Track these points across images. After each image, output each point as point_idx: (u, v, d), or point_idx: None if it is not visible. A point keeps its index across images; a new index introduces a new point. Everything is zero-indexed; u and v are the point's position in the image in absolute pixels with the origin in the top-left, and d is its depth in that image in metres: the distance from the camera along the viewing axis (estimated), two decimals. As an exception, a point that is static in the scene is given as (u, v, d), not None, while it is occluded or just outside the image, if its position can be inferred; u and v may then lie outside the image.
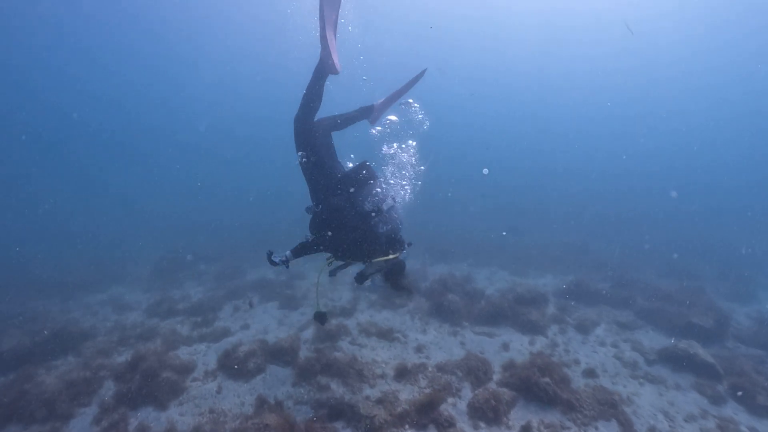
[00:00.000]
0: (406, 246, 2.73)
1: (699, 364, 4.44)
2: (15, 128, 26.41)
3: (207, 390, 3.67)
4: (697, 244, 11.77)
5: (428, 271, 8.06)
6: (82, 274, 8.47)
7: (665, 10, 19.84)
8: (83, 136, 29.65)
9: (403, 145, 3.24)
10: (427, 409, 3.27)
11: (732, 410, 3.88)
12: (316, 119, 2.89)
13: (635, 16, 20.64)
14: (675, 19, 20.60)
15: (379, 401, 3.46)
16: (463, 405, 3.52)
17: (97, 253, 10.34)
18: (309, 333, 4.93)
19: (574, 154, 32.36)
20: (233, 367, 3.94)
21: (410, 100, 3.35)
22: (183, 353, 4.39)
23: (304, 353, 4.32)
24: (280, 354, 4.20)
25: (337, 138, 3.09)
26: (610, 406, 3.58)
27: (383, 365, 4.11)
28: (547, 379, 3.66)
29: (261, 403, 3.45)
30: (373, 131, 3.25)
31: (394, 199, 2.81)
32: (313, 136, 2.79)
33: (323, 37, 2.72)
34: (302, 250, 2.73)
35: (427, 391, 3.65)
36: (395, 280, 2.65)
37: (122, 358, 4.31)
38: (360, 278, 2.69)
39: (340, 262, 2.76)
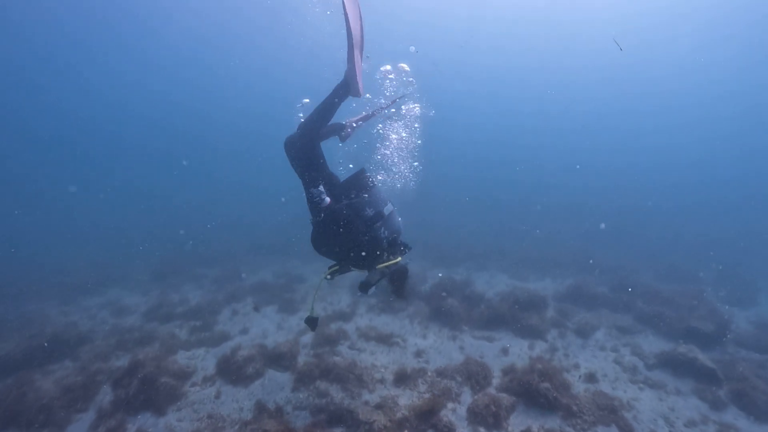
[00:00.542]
0: (406, 250, 2.75)
1: (699, 368, 4.43)
2: (13, 128, 26.49)
3: (205, 395, 3.65)
4: (698, 247, 11.80)
5: (428, 275, 8.05)
6: (80, 276, 8.44)
7: (665, 6, 19.93)
8: (83, 137, 29.72)
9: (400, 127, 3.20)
10: (426, 415, 3.26)
11: (732, 416, 3.87)
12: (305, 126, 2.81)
13: (635, 11, 20.87)
14: (676, 15, 20.70)
15: (379, 406, 3.45)
16: (462, 410, 3.51)
17: (95, 256, 10.32)
18: (308, 337, 4.91)
19: (573, 156, 32.50)
20: (232, 372, 3.92)
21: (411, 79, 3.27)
22: (181, 358, 4.37)
23: (303, 358, 4.31)
24: (279, 359, 4.18)
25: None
26: (610, 412, 3.57)
27: (382, 370, 4.10)
28: (546, 384, 3.65)
29: (260, 409, 3.43)
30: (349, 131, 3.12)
31: (393, 204, 2.82)
32: (313, 146, 2.77)
33: (351, 58, 2.71)
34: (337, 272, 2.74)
35: (427, 396, 3.64)
36: (398, 286, 2.66)
37: (120, 362, 4.28)
38: (364, 287, 2.67)
39: (344, 270, 2.76)
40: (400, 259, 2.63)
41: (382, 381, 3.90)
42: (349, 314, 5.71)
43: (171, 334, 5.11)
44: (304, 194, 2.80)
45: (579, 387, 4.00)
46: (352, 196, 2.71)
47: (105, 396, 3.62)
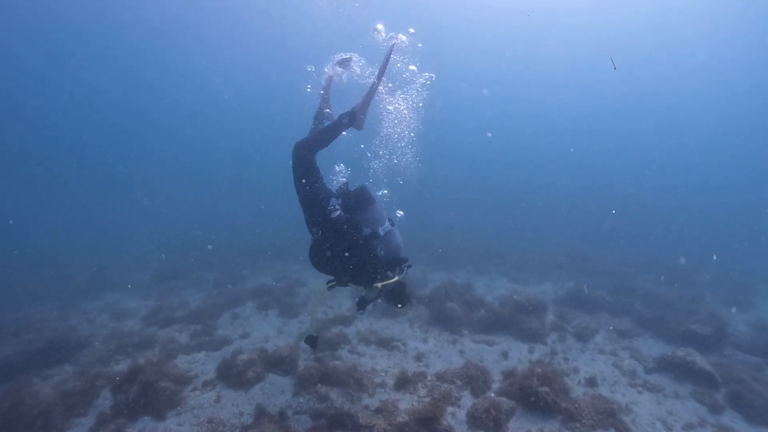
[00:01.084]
0: (405, 268, 2.75)
1: (697, 372, 4.46)
2: (14, 128, 26.49)
3: (205, 400, 3.64)
4: (697, 250, 11.88)
5: (428, 279, 8.08)
6: (79, 280, 8.41)
7: (667, 6, 20.25)
8: (82, 141, 29.72)
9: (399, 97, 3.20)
10: (427, 422, 3.26)
11: (730, 418, 3.89)
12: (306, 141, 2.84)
13: (636, 10, 21.24)
14: (678, 16, 21.00)
15: (379, 410, 3.45)
16: (462, 414, 3.52)
17: (95, 259, 10.28)
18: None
19: (573, 158, 32.73)
20: (232, 376, 3.92)
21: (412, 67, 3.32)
22: (181, 362, 4.36)
23: (304, 362, 4.31)
24: (279, 363, 4.18)
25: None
26: (608, 415, 3.59)
27: (383, 374, 4.11)
28: (545, 388, 3.67)
29: (260, 413, 3.43)
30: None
31: (392, 222, 2.83)
32: (311, 164, 2.78)
33: (368, 100, 2.88)
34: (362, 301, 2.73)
35: (427, 400, 3.65)
36: (397, 302, 2.69)
37: (120, 367, 4.27)
38: (362, 303, 2.70)
39: (342, 285, 2.76)
40: (397, 278, 2.63)
41: (382, 385, 3.91)
42: (350, 318, 5.72)
43: (171, 339, 5.10)
44: (303, 212, 2.79)
45: (578, 391, 4.02)
46: (350, 214, 2.70)
47: (105, 401, 3.61)
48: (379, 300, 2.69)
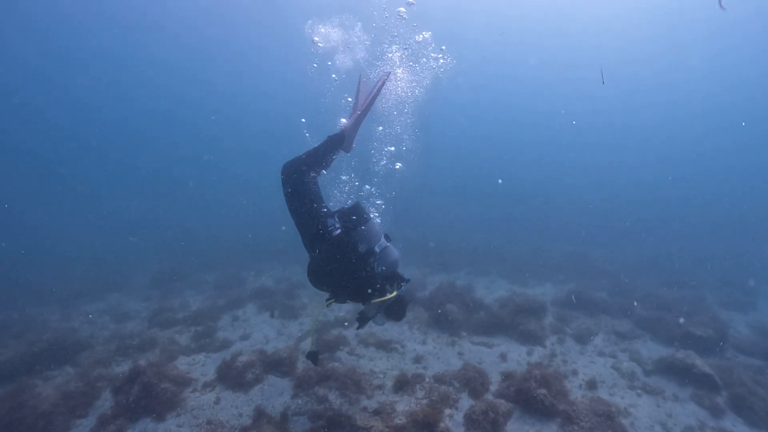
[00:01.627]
0: (404, 283, 2.76)
1: (697, 374, 4.44)
2: (16, 138, 26.77)
3: (205, 401, 3.67)
4: (698, 252, 11.84)
5: (427, 281, 8.09)
6: (80, 281, 8.48)
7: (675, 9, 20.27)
8: (82, 144, 29.93)
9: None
10: (424, 424, 3.27)
11: (730, 422, 3.88)
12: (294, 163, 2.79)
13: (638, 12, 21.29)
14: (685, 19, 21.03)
15: (376, 412, 3.47)
16: (459, 417, 3.52)
17: (95, 261, 10.37)
18: (308, 343, 4.94)
19: (571, 159, 32.71)
20: (232, 378, 3.95)
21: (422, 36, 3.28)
22: (181, 363, 4.39)
23: (303, 364, 4.33)
24: (278, 365, 4.21)
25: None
26: (607, 418, 3.58)
27: (381, 376, 4.12)
28: (543, 391, 3.67)
29: (259, 415, 3.46)
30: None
31: (388, 237, 2.83)
32: (303, 184, 2.74)
33: (358, 122, 2.90)
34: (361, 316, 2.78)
35: (425, 402, 3.66)
36: (395, 317, 2.72)
37: (121, 368, 4.31)
38: (362, 320, 2.74)
39: (341, 301, 2.78)
40: (395, 293, 2.65)
41: (380, 387, 3.92)
42: (350, 320, 5.74)
43: (171, 340, 5.14)
44: (299, 232, 2.78)
45: (577, 393, 4.01)
46: (342, 230, 2.69)
47: (105, 402, 3.64)
48: (379, 315, 2.72)
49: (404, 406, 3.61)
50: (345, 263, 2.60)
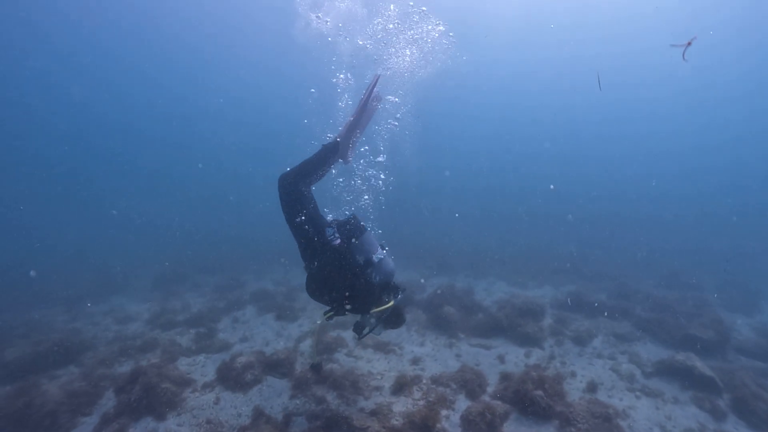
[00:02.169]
0: (400, 292, 2.82)
1: (697, 376, 4.40)
2: (22, 141, 27.26)
3: (205, 401, 3.73)
4: (701, 253, 11.72)
5: (426, 283, 8.11)
6: (84, 284, 8.63)
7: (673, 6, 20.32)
8: (83, 146, 30.32)
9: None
10: (421, 425, 3.30)
11: (732, 425, 3.84)
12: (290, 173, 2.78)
13: (637, 12, 21.44)
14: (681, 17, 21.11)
15: (373, 413, 3.50)
16: (456, 418, 3.54)
17: (99, 264, 10.54)
18: (306, 345, 4.99)
19: (572, 160, 32.64)
20: (231, 378, 4.01)
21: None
22: (182, 364, 4.46)
23: (301, 365, 4.38)
24: (277, 366, 4.26)
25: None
26: (604, 420, 3.57)
27: (378, 377, 4.15)
28: (540, 392, 3.67)
29: (258, 415, 3.50)
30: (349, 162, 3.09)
31: (384, 247, 2.88)
32: (301, 195, 2.76)
33: (353, 128, 2.85)
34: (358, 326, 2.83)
35: (422, 403, 3.68)
36: (392, 326, 2.79)
37: (123, 368, 4.39)
38: (358, 329, 2.79)
39: (339, 314, 2.82)
40: (392, 303, 2.72)
41: (378, 388, 3.95)
42: (348, 323, 5.78)
43: (172, 342, 5.22)
44: (297, 243, 2.80)
45: (574, 395, 4.00)
46: (340, 241, 2.74)
47: (108, 401, 3.72)
48: (377, 325, 2.78)
49: (401, 407, 3.63)
50: (344, 274, 2.64)
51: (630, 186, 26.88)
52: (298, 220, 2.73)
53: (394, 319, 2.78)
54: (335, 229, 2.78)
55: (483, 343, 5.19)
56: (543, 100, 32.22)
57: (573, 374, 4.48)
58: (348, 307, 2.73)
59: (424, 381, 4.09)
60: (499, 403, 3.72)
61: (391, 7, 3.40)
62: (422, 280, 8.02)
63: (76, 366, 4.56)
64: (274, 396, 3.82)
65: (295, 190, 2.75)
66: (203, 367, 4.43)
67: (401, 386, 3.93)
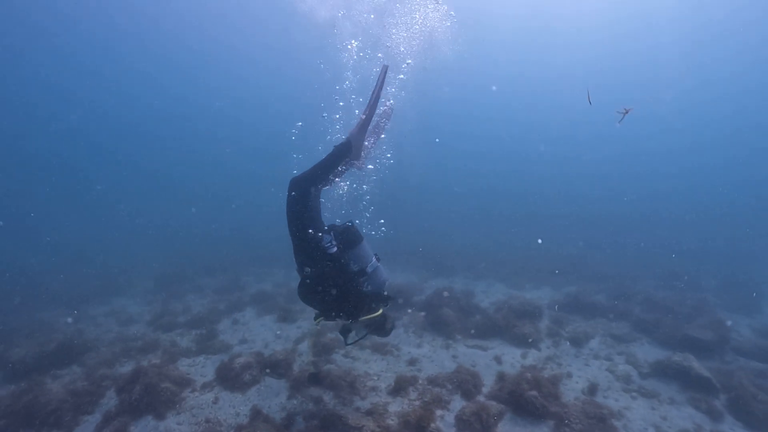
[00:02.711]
0: (389, 302, 2.86)
1: (694, 377, 4.40)
2: (22, 143, 27.52)
3: (204, 400, 3.80)
4: (702, 254, 11.67)
5: (425, 285, 8.15)
6: (87, 286, 8.76)
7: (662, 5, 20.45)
8: (85, 148, 30.58)
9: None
10: (415, 424, 3.34)
11: (728, 425, 3.84)
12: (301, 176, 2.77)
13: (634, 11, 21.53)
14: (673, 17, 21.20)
15: (369, 413, 3.54)
16: (450, 417, 3.58)
17: (101, 266, 10.68)
18: (304, 346, 5.05)
19: (571, 162, 32.59)
20: (230, 378, 4.07)
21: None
22: (182, 365, 4.54)
23: (299, 366, 4.44)
24: (275, 366, 4.32)
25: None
26: (599, 420, 3.59)
27: (375, 378, 4.20)
28: (534, 392, 3.70)
29: (255, 414, 3.56)
30: (369, 166, 3.08)
31: (378, 258, 2.92)
32: (309, 199, 2.75)
33: (365, 125, 2.76)
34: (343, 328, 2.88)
35: (417, 403, 3.72)
36: (379, 334, 2.85)
37: (124, 369, 4.47)
38: (344, 332, 2.85)
39: (329, 319, 2.87)
40: (381, 312, 2.76)
41: (374, 388, 4.00)
42: (347, 325, 5.82)
43: (173, 342, 5.30)
44: (293, 247, 2.79)
45: (569, 395, 4.03)
46: (337, 249, 2.75)
47: (110, 400, 3.80)
48: (364, 332, 2.84)
49: (397, 407, 3.67)
50: (336, 282, 2.68)
51: (629, 186, 26.82)
52: (300, 223, 2.69)
53: (381, 328, 2.83)
54: (332, 236, 2.79)
55: (480, 344, 5.22)
56: (540, 99, 32.30)
57: (569, 375, 4.50)
58: (337, 313, 2.77)
59: (420, 381, 4.13)
60: (493, 403, 3.76)
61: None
62: (420, 282, 8.06)
63: (78, 366, 4.65)
64: (272, 396, 3.88)
65: (305, 193, 2.73)
66: (203, 368, 4.50)
67: (397, 387, 3.97)
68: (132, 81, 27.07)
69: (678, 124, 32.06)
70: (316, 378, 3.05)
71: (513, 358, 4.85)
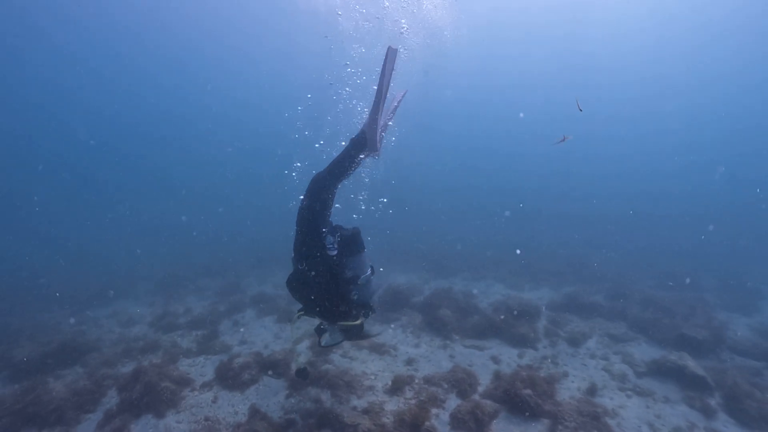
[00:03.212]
0: (371, 313, 2.92)
1: (689, 376, 4.44)
2: (23, 145, 27.70)
3: (203, 399, 3.86)
4: (701, 254, 11.66)
5: (424, 286, 8.20)
6: (89, 287, 8.85)
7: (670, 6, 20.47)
8: (86, 150, 30.64)
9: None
10: (410, 423, 3.39)
11: (722, 423, 3.86)
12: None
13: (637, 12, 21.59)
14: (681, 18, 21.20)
15: (365, 411, 3.60)
16: (446, 416, 3.62)
17: (103, 267, 10.77)
18: (303, 346, 5.11)
19: (568, 162, 32.56)
20: (229, 378, 4.14)
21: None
22: (183, 365, 4.61)
23: (297, 366, 4.48)
24: (273, 366, 4.38)
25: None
26: (592, 418, 3.63)
27: (372, 377, 4.25)
28: (528, 391, 3.75)
29: (254, 413, 3.62)
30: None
31: (373, 270, 2.94)
32: (329, 196, 2.75)
33: (374, 115, 2.67)
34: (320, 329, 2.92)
35: (413, 402, 3.77)
36: (353, 339, 2.91)
37: (126, 369, 4.55)
38: (319, 332, 2.91)
39: (309, 315, 2.92)
40: (359, 322, 2.81)
41: (371, 388, 4.05)
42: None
43: (174, 343, 5.37)
44: (296, 238, 2.81)
45: (564, 394, 4.06)
46: (341, 255, 2.78)
47: (111, 399, 3.87)
48: (338, 335, 2.88)
49: (393, 406, 3.72)
50: (327, 284, 2.73)
51: (627, 186, 26.78)
52: (312, 218, 2.68)
53: (357, 336, 2.89)
54: (336, 238, 2.81)
55: (477, 344, 5.26)
56: (537, 99, 32.35)
57: (565, 374, 4.53)
58: (319, 311, 2.82)
59: (417, 381, 4.18)
60: (488, 402, 3.80)
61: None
62: (421, 284, 8.11)
63: (80, 366, 4.73)
64: (270, 395, 3.94)
65: (326, 189, 2.72)
66: (203, 368, 4.57)
67: (394, 386, 4.02)
68: (132, 80, 27.26)
69: (674, 124, 32.09)
70: (303, 373, 3.09)
71: (510, 358, 4.89)
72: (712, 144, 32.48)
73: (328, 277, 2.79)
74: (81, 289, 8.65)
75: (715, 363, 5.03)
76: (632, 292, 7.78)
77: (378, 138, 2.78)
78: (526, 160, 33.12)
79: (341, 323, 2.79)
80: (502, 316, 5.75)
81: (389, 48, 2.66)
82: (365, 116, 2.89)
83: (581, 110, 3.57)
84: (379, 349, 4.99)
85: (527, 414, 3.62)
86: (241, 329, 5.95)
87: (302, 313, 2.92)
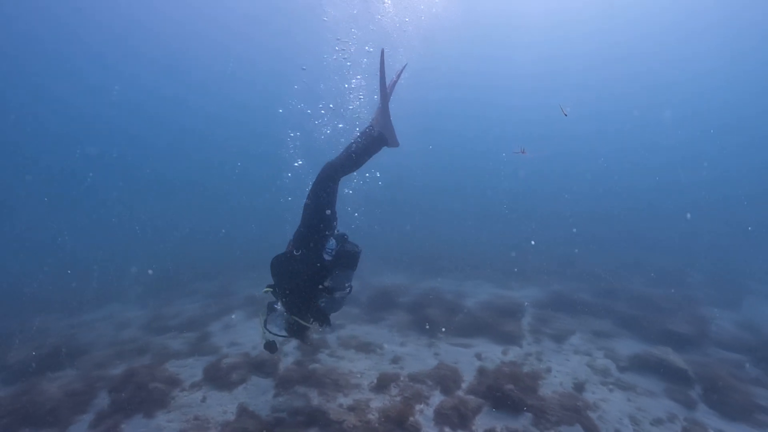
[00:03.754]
0: (326, 326, 3.03)
1: (672, 369, 4.53)
2: (15, 147, 27.60)
3: (193, 399, 3.94)
4: (688, 251, 11.79)
5: (412, 285, 8.29)
6: (82, 291, 8.87)
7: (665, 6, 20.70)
8: (81, 152, 30.54)
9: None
10: (395, 418, 3.47)
11: (702, 414, 3.96)
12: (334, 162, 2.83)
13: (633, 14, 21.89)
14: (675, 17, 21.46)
15: (351, 408, 3.68)
16: (430, 412, 3.71)
17: (96, 271, 10.78)
18: (290, 346, 5.19)
19: (563, 161, 32.72)
20: (217, 378, 4.22)
21: None
22: (173, 366, 4.68)
23: (284, 365, 4.58)
24: (262, 366, 4.47)
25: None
26: (574, 412, 3.72)
27: (358, 376, 4.34)
28: (511, 386, 3.84)
29: (242, 411, 3.70)
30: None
31: (350, 289, 3.07)
32: (335, 185, 2.83)
33: (385, 109, 2.77)
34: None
35: (398, 399, 3.86)
36: (293, 336, 3.02)
37: (117, 370, 4.62)
38: (269, 310, 3.01)
39: (275, 296, 3.00)
40: (309, 325, 2.92)
41: (357, 386, 4.13)
42: (333, 325, 5.96)
43: (164, 346, 5.44)
44: (301, 227, 2.91)
45: (547, 389, 4.15)
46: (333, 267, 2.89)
47: (103, 400, 3.94)
48: (283, 326, 3.01)
49: (378, 403, 3.81)
50: (305, 282, 2.84)
51: (622, 184, 26.95)
52: (319, 206, 2.76)
53: (298, 335, 3.02)
54: (335, 246, 2.91)
55: (463, 342, 5.34)
56: (533, 98, 32.54)
57: (548, 370, 4.62)
58: (285, 300, 2.94)
59: (402, 378, 4.26)
60: (472, 397, 3.89)
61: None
62: (410, 284, 8.20)
63: (73, 368, 4.80)
64: (259, 394, 4.02)
65: (332, 178, 2.80)
66: (192, 369, 4.64)
67: (380, 384, 4.11)
68: (130, 83, 27.35)
69: (670, 122, 32.36)
70: (272, 345, 3.18)
71: (494, 355, 4.98)
72: (701, 139, 32.70)
73: (310, 275, 2.89)
74: (74, 293, 8.69)
75: (699, 357, 5.13)
76: (619, 289, 7.89)
77: (394, 131, 2.84)
78: (517, 159, 33.26)
79: (293, 318, 2.89)
80: (489, 315, 5.84)
81: (383, 50, 2.82)
82: (367, 111, 3.06)
83: (566, 114, 3.72)
84: (366, 349, 5.08)
85: (511, 408, 3.70)
86: (231, 331, 6.03)
87: (270, 290, 3.01)
